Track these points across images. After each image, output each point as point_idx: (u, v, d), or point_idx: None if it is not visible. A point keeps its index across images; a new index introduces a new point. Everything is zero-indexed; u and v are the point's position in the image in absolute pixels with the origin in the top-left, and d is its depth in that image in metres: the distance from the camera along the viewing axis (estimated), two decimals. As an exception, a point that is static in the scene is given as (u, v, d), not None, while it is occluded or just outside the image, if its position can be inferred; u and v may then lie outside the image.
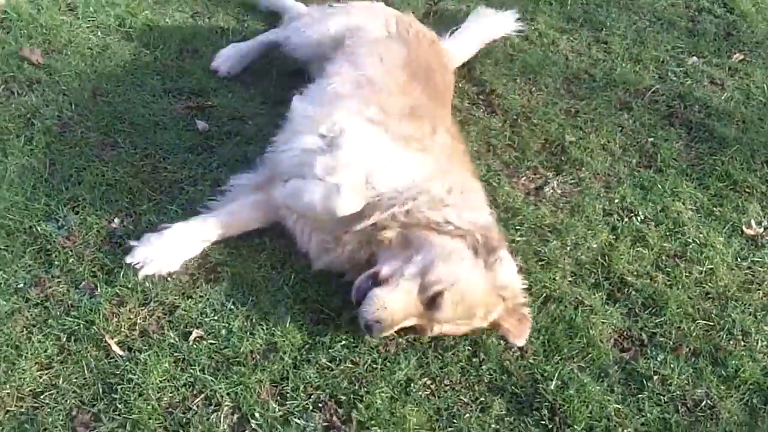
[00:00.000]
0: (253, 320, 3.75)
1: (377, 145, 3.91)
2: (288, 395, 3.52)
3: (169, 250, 3.85)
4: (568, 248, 4.36)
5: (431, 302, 3.56)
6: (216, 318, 3.73)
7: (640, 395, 3.75)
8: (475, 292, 3.62)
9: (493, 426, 3.57)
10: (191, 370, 3.52)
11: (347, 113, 4.03)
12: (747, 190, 4.91)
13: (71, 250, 3.89)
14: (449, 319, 3.61)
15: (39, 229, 3.94)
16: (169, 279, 3.85)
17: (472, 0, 6.03)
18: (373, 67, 4.41)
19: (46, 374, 3.44)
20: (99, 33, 5.21)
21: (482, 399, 3.65)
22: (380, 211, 3.72)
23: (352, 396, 3.55)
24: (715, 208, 4.74)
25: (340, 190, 3.68)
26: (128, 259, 3.80)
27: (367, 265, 3.69)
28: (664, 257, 4.42)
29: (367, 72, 4.36)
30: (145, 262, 3.80)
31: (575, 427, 3.58)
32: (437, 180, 3.84)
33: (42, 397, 3.38)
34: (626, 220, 4.59)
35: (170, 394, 3.45)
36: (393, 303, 3.51)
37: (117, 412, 3.36)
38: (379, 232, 3.70)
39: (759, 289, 4.34)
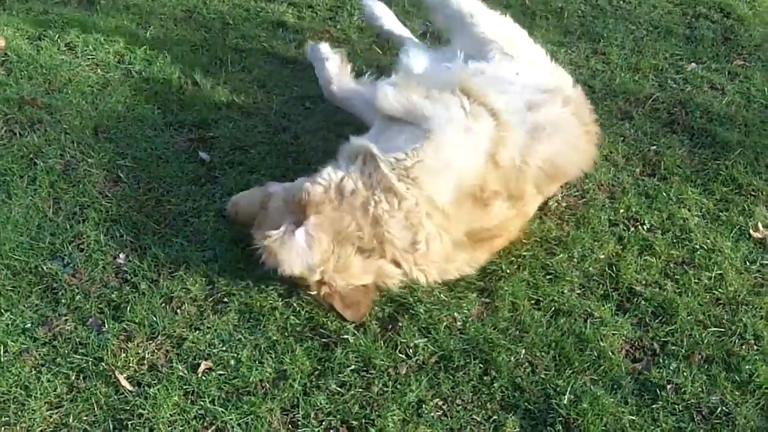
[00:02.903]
0: (262, 349, 3.74)
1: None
2: (299, 423, 3.51)
3: None
4: (575, 260, 4.35)
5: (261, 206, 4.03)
6: (224, 348, 3.73)
7: (654, 405, 3.72)
8: (263, 226, 3.96)
9: (507, 444, 3.56)
10: (201, 402, 3.52)
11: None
12: (752, 193, 4.89)
13: (77, 288, 3.90)
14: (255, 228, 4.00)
15: (45, 267, 3.96)
16: (177, 311, 3.85)
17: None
18: None
19: (56, 413, 3.44)
20: (99, 70, 5.25)
21: (495, 417, 3.63)
22: None
23: (363, 420, 3.54)
24: (721, 213, 4.72)
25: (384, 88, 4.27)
26: None
27: None
28: (672, 265, 4.39)
29: None
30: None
31: (590, 440, 3.56)
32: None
33: (53, 436, 3.39)
34: (632, 229, 4.57)
35: (181, 428, 3.44)
36: (239, 201, 4.14)
37: (129, 448, 3.36)
38: None
39: (769, 292, 4.31)
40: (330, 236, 3.83)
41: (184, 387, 3.57)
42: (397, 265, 3.94)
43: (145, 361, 3.66)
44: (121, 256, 4.07)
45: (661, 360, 3.92)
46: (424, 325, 3.93)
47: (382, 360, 3.76)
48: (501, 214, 4.07)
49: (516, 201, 4.12)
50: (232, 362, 3.68)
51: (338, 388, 3.64)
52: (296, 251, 3.81)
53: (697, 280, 4.30)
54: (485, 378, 3.76)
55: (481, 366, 3.80)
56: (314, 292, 3.88)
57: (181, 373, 3.61)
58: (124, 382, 3.55)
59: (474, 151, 4.02)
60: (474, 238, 4.03)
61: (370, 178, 3.93)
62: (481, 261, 4.15)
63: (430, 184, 3.92)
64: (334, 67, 4.90)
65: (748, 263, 4.46)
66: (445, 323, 3.94)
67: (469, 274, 4.13)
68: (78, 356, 3.63)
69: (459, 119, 4.09)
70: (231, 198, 4.19)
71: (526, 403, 3.68)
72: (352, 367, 3.72)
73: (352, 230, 3.85)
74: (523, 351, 3.86)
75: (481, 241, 4.07)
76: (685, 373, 3.85)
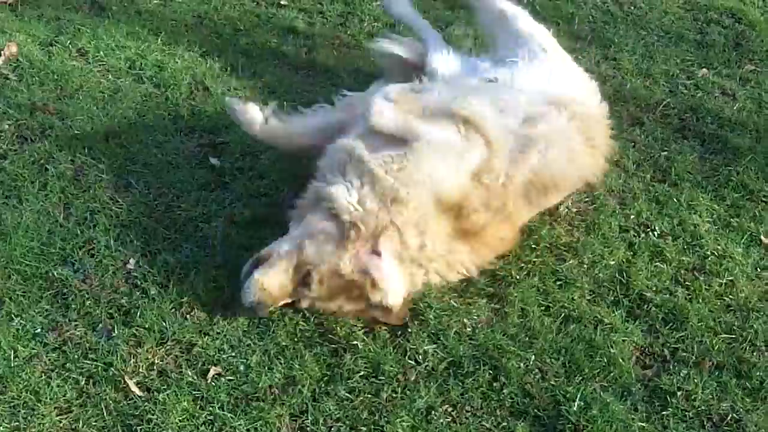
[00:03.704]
0: (271, 355, 3.74)
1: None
2: (308, 429, 3.51)
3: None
4: (586, 266, 4.34)
5: (303, 280, 3.77)
6: (234, 354, 3.73)
7: (664, 412, 3.70)
8: (339, 274, 3.78)
9: (516, 450, 3.55)
10: (210, 408, 3.51)
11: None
12: (763, 199, 4.87)
13: (88, 293, 3.91)
14: (320, 297, 3.81)
15: (55, 273, 3.97)
16: (186, 317, 3.86)
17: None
18: None
19: (66, 419, 3.44)
20: (110, 76, 5.27)
21: (505, 424, 3.61)
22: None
23: (372, 427, 3.53)
24: (732, 219, 4.71)
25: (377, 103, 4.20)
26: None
27: None
28: (682, 271, 4.38)
29: None
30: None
31: (600, 447, 3.55)
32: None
33: (63, 441, 3.40)
34: (643, 235, 4.56)
35: (190, 433, 3.45)
36: (269, 283, 3.74)
37: (138, 454, 3.37)
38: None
39: (781, 299, 4.29)
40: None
41: (194, 392, 3.57)
42: (423, 268, 4.00)
43: (155, 367, 3.66)
44: (131, 261, 4.07)
45: (671, 367, 3.90)
46: (433, 331, 3.92)
47: (392, 366, 3.75)
48: (483, 221, 4.08)
49: (498, 213, 4.12)
50: (242, 368, 3.68)
51: (347, 394, 3.64)
52: (393, 276, 3.84)
53: (707, 287, 4.29)
54: (495, 384, 3.75)
55: (491, 372, 3.79)
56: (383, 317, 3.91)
57: (190, 379, 3.61)
58: (134, 388, 3.56)
59: (457, 171, 4.04)
60: (474, 237, 4.08)
61: (373, 190, 3.93)
62: (486, 257, 4.18)
63: (420, 186, 3.97)
64: (254, 113, 4.67)
65: (759, 269, 4.44)
66: (454, 329, 3.94)
67: (477, 277, 4.16)
68: (88, 361, 3.63)
69: (450, 141, 4.12)
70: (249, 286, 3.75)
71: (535, 410, 3.66)
72: (362, 373, 3.72)
73: (396, 245, 3.88)
74: (533, 357, 3.85)
75: (475, 236, 4.09)
76: (695, 380, 3.83)
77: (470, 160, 4.06)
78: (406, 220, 3.90)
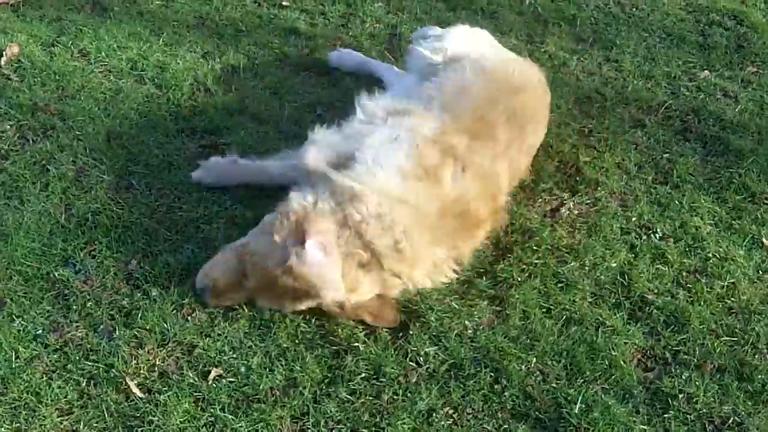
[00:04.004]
0: (272, 356, 3.74)
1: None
2: (309, 431, 3.51)
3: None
4: (587, 269, 4.33)
5: (243, 272, 3.84)
6: (235, 356, 3.73)
7: (666, 415, 3.70)
8: (269, 268, 3.78)
9: (517, 453, 3.55)
10: (211, 410, 3.52)
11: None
12: (765, 201, 4.86)
13: (89, 294, 3.91)
14: (257, 288, 3.83)
15: (56, 274, 3.97)
16: (188, 318, 3.86)
17: (479, 24, 6.01)
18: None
19: (67, 420, 3.44)
20: (111, 77, 5.26)
21: (506, 426, 3.61)
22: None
23: (373, 429, 3.53)
24: (734, 222, 4.70)
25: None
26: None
27: None
28: (684, 274, 4.37)
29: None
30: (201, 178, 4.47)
31: (601, 450, 3.55)
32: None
33: (64, 443, 3.39)
34: (644, 237, 4.55)
35: (191, 435, 3.45)
36: (213, 271, 3.87)
37: (139, 455, 3.37)
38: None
39: (783, 302, 4.29)
40: (336, 253, 3.82)
41: (195, 394, 3.58)
42: (396, 274, 3.95)
43: (156, 368, 3.66)
44: (133, 262, 4.07)
45: (672, 369, 3.90)
46: (434, 333, 3.92)
47: (393, 368, 3.75)
48: (456, 184, 4.11)
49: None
50: (243, 369, 3.68)
51: (348, 396, 3.64)
52: (320, 265, 3.76)
53: (709, 289, 4.28)
54: (496, 387, 3.75)
55: (492, 374, 3.79)
56: (339, 314, 3.89)
57: (191, 380, 3.61)
58: (135, 389, 3.56)
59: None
60: (449, 219, 4.05)
61: (334, 193, 3.95)
62: (466, 252, 4.16)
63: (378, 179, 4.00)
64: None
65: (760, 272, 4.43)
66: (456, 331, 3.93)
67: (468, 275, 4.18)
68: (89, 363, 3.63)
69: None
70: (198, 273, 3.92)
71: (536, 412, 3.66)
72: (363, 375, 3.72)
73: (349, 246, 3.85)
74: (534, 360, 3.85)
75: (459, 222, 4.08)
76: (697, 383, 3.83)
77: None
78: (366, 218, 3.88)
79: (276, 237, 3.81)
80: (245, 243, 3.93)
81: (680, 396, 3.78)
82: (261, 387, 3.62)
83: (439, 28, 5.24)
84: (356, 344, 3.82)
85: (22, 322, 3.76)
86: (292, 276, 3.74)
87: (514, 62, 4.95)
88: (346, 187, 3.94)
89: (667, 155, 5.13)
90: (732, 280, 4.34)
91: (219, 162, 4.53)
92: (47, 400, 3.49)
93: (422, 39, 5.07)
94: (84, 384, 3.57)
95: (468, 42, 5.00)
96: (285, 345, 3.79)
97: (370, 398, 3.64)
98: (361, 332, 3.88)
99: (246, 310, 3.90)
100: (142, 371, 3.64)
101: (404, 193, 3.98)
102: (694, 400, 3.77)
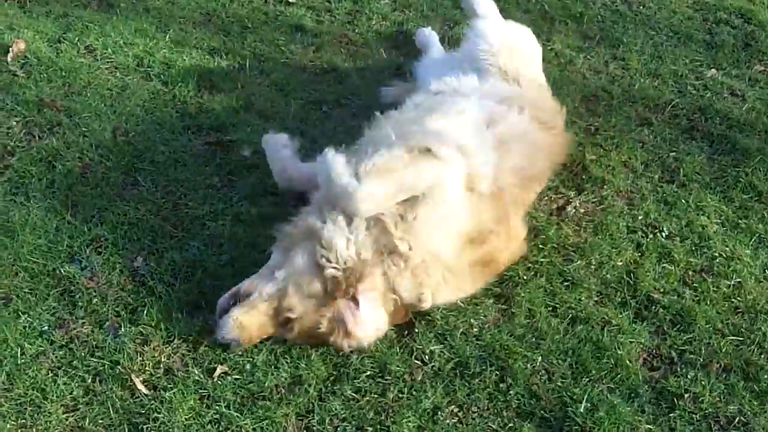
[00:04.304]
0: (277, 354, 3.75)
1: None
2: (314, 428, 3.51)
3: None
4: (593, 267, 4.32)
5: (284, 323, 3.71)
6: (240, 353, 3.73)
7: (671, 414, 3.69)
8: (316, 324, 3.71)
9: (522, 452, 3.55)
10: (217, 407, 3.52)
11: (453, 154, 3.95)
12: (772, 200, 4.85)
13: (95, 291, 3.91)
14: (298, 341, 3.77)
15: (62, 270, 3.98)
16: (193, 315, 3.86)
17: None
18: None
19: (72, 416, 3.45)
20: (118, 74, 5.27)
21: (511, 425, 3.61)
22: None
23: (378, 427, 3.53)
24: (740, 221, 4.68)
25: (360, 190, 3.72)
26: None
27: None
28: (690, 273, 4.36)
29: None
30: None
31: (606, 449, 3.54)
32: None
33: (69, 439, 3.40)
34: (651, 236, 4.54)
35: (196, 432, 3.46)
36: (249, 323, 3.68)
37: (144, 452, 3.37)
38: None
39: (789, 302, 4.27)
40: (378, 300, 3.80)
41: (200, 391, 3.58)
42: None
43: (161, 365, 3.67)
44: (139, 259, 4.08)
45: (678, 369, 3.89)
46: (440, 332, 3.92)
47: (398, 366, 3.75)
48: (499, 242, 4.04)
49: (502, 223, 4.05)
50: (248, 367, 3.68)
51: (353, 394, 3.64)
52: (374, 323, 3.77)
53: (715, 289, 4.27)
54: (501, 385, 3.75)
55: (498, 373, 3.79)
56: None
57: (196, 377, 3.62)
58: (140, 386, 3.57)
59: (458, 194, 3.91)
60: (477, 268, 4.00)
61: (374, 239, 3.79)
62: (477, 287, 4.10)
63: (430, 239, 3.82)
64: (289, 153, 4.56)
65: (767, 271, 4.42)
66: (461, 330, 3.93)
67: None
68: (94, 359, 3.64)
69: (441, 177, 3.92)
70: (227, 323, 3.68)
71: (542, 411, 3.66)
72: (368, 372, 3.72)
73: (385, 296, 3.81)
74: (540, 358, 3.85)
75: (484, 269, 4.04)
76: (702, 382, 3.82)
77: (458, 178, 3.92)
78: (402, 273, 3.79)
79: (329, 303, 3.72)
80: (283, 297, 3.72)
81: (686, 395, 3.77)
82: (266, 384, 3.62)
83: None
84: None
85: (28, 319, 3.77)
86: (346, 334, 3.71)
87: None
88: (391, 241, 3.79)
89: (673, 154, 5.11)
90: (738, 280, 4.32)
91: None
92: (52, 396, 3.50)
93: None
94: (89, 381, 3.58)
95: None
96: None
97: (376, 396, 3.64)
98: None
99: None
100: (147, 368, 3.64)
101: (452, 257, 3.88)
102: (700, 399, 3.76)
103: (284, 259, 3.81)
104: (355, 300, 3.70)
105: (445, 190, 3.85)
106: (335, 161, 3.85)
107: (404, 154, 3.88)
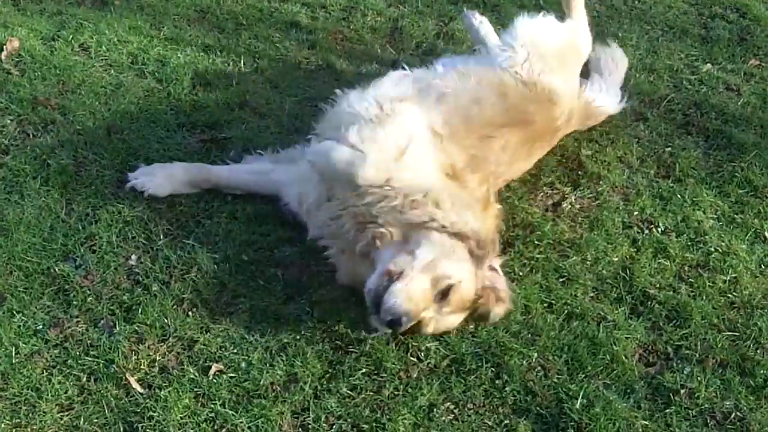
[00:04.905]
0: (273, 351, 3.74)
1: (417, 145, 4.02)
2: (310, 426, 3.51)
3: (165, 179, 4.34)
4: (589, 263, 4.32)
5: (441, 296, 3.67)
6: (235, 351, 3.73)
7: (667, 410, 3.70)
8: (471, 292, 3.76)
9: (518, 448, 3.55)
10: (212, 405, 3.52)
11: (415, 109, 4.21)
12: (768, 195, 4.85)
13: (89, 289, 3.90)
14: (452, 311, 3.76)
15: (57, 269, 3.96)
16: (188, 314, 3.85)
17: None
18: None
19: (67, 415, 3.45)
20: (112, 71, 5.25)
21: (507, 422, 3.61)
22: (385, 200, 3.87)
23: (374, 424, 3.53)
24: (736, 216, 4.68)
25: (366, 159, 3.89)
26: (129, 177, 4.36)
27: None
28: (686, 268, 4.36)
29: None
30: (143, 184, 4.32)
31: (602, 445, 3.54)
32: (445, 192, 3.93)
33: (64, 438, 3.39)
34: (646, 232, 4.54)
35: (192, 430, 3.44)
36: (416, 294, 3.61)
37: (139, 451, 3.36)
38: (379, 229, 3.82)
39: (785, 296, 4.27)
40: None
41: (195, 389, 3.58)
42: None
43: (156, 364, 3.66)
44: (133, 257, 4.07)
45: (674, 364, 3.89)
46: (435, 328, 3.91)
47: (394, 363, 3.75)
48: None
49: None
50: (243, 365, 3.68)
51: (349, 392, 3.63)
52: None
53: (711, 284, 4.27)
54: (497, 382, 3.75)
55: (493, 370, 3.79)
56: None
57: (192, 376, 3.61)
58: (135, 385, 3.56)
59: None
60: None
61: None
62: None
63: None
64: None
65: (763, 266, 4.42)
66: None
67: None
68: (89, 358, 3.63)
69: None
70: (396, 296, 3.60)
71: (538, 408, 3.66)
72: (363, 370, 3.72)
73: None
74: (536, 355, 3.85)
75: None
76: (698, 378, 3.82)
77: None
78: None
79: (471, 260, 3.80)
80: (432, 267, 3.70)
81: (682, 391, 3.77)
82: (261, 382, 3.62)
83: None
84: (357, 339, 3.81)
85: (23, 318, 3.76)
86: (498, 299, 3.85)
87: None
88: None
89: (669, 149, 5.11)
90: (734, 275, 4.33)
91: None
92: (47, 395, 3.49)
93: None
94: (84, 379, 3.57)
95: None
96: (285, 340, 3.79)
97: (371, 393, 3.64)
98: (361, 327, 3.86)
99: (246, 304, 3.90)
100: (142, 367, 3.64)
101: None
102: (696, 395, 3.76)
103: (409, 245, 3.78)
104: (493, 269, 3.85)
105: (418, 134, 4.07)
106: (330, 145, 4.06)
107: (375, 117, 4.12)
